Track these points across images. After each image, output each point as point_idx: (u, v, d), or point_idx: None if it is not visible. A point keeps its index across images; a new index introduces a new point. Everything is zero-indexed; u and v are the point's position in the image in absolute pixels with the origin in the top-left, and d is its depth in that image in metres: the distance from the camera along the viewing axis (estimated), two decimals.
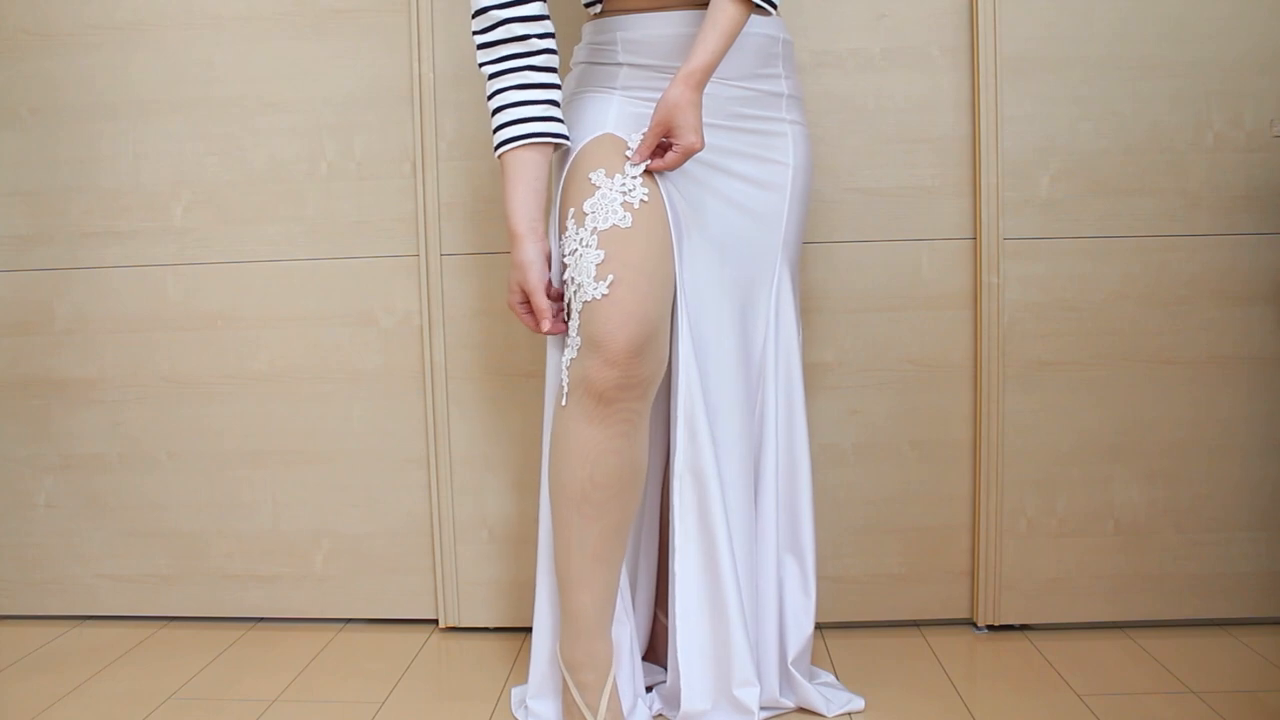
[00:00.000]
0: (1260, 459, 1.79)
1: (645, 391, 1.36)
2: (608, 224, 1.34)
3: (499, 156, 1.40)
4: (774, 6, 1.38)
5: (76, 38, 1.88)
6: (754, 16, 1.41)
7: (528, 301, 1.43)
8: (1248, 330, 1.77)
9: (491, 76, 1.39)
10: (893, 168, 1.77)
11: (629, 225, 1.35)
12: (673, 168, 1.38)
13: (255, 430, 1.91)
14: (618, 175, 1.37)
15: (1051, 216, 1.76)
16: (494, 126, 1.39)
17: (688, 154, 1.36)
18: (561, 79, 1.47)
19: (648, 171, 1.39)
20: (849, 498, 1.83)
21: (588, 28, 1.49)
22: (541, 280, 1.40)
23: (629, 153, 1.40)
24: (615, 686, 1.42)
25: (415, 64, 1.80)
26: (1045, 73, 1.74)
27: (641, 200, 1.36)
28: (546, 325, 1.40)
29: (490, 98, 1.39)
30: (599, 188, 1.37)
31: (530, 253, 1.39)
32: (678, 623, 1.43)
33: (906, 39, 1.75)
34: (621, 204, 1.35)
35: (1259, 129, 1.74)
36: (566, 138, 1.42)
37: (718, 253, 1.45)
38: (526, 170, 1.38)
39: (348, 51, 1.83)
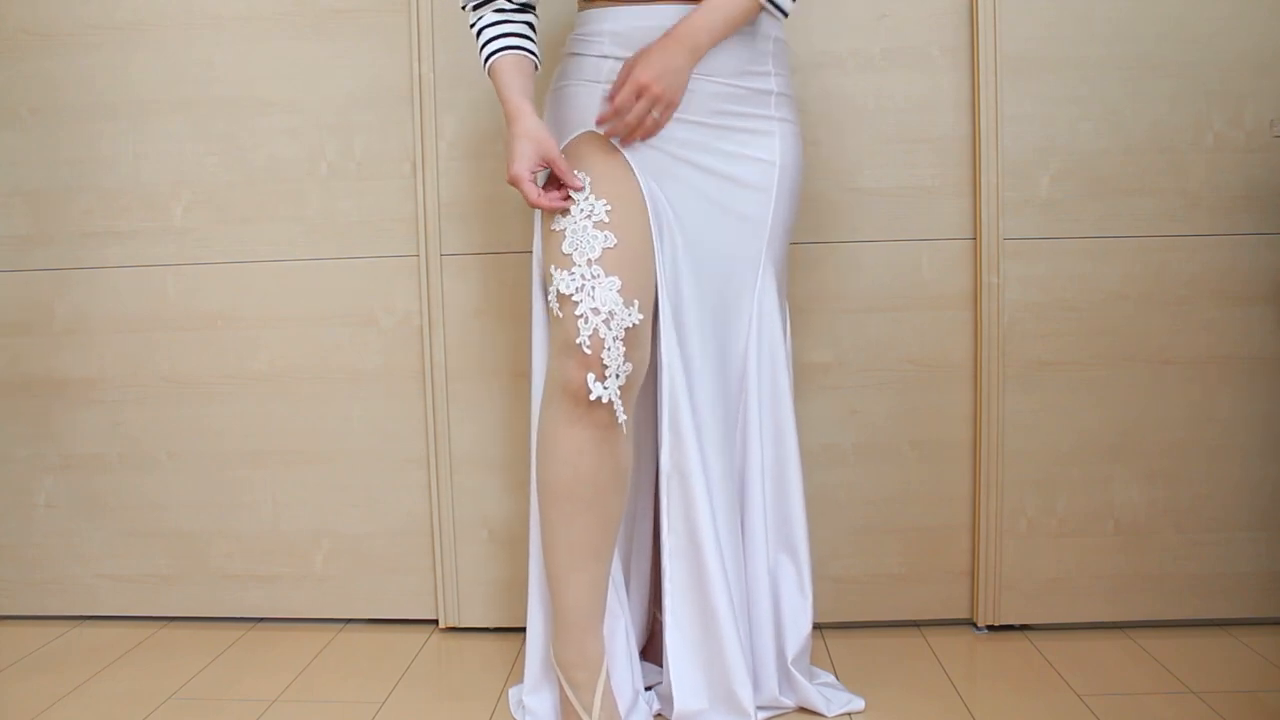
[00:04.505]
0: (1260, 459, 1.79)
1: (634, 393, 1.38)
2: (597, 251, 1.35)
3: (488, 71, 1.44)
4: (784, 12, 1.41)
5: (76, 38, 1.87)
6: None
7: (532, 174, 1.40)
8: (1248, 330, 1.77)
9: (474, 8, 1.45)
10: (893, 168, 1.77)
11: (616, 243, 1.36)
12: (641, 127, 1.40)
13: (255, 430, 1.91)
14: (580, 204, 1.38)
15: (1051, 216, 1.76)
16: (478, 48, 1.45)
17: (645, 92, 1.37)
18: (551, 70, 1.51)
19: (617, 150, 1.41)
20: (849, 498, 1.83)
21: (578, 18, 1.50)
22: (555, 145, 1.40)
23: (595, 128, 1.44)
24: (609, 684, 1.43)
25: (415, 64, 1.80)
26: (1045, 73, 1.74)
27: (606, 210, 1.37)
28: (579, 181, 1.38)
29: (472, 26, 1.46)
30: (565, 230, 1.37)
31: (536, 123, 1.39)
32: (668, 622, 1.44)
33: (906, 39, 1.75)
34: (594, 226, 1.36)
35: (1259, 129, 1.74)
36: (539, 59, 1.47)
37: (698, 252, 1.45)
38: (514, 69, 1.42)
39: (348, 51, 1.83)
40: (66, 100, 1.89)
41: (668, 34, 1.37)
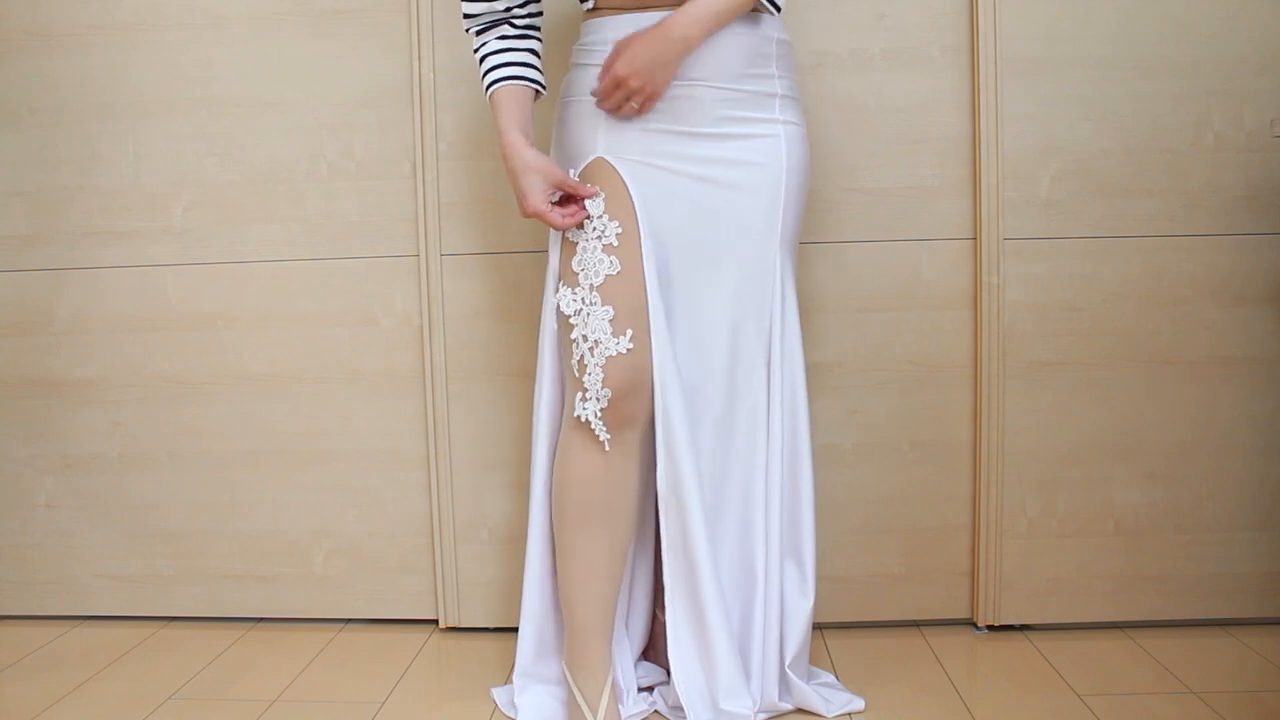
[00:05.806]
0: (1261, 459, 1.79)
1: (636, 421, 1.41)
2: (601, 277, 1.39)
3: (489, 99, 1.48)
4: (777, 8, 1.43)
5: (76, 38, 1.87)
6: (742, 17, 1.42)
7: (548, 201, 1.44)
8: (1248, 331, 1.77)
9: (477, 34, 1.50)
10: (893, 168, 1.77)
11: (619, 270, 1.39)
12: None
13: (255, 430, 1.91)
14: (594, 221, 1.41)
15: (1052, 216, 1.76)
16: (480, 74, 1.49)
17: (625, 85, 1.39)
18: (557, 81, 1.51)
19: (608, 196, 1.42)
20: (849, 498, 1.83)
21: (582, 27, 1.50)
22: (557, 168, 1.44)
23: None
24: (615, 688, 1.46)
25: (415, 64, 1.80)
26: (1045, 73, 1.73)
27: (617, 234, 1.40)
28: (592, 189, 1.41)
29: (475, 50, 1.51)
30: (578, 244, 1.42)
31: (535, 153, 1.43)
32: (670, 643, 1.47)
33: (906, 39, 1.75)
34: (603, 249, 1.39)
35: (1259, 129, 1.74)
36: (543, 85, 1.49)
37: (709, 264, 1.46)
38: (511, 101, 1.46)
39: (348, 51, 1.83)
40: (66, 100, 1.89)
41: (657, 26, 1.38)
